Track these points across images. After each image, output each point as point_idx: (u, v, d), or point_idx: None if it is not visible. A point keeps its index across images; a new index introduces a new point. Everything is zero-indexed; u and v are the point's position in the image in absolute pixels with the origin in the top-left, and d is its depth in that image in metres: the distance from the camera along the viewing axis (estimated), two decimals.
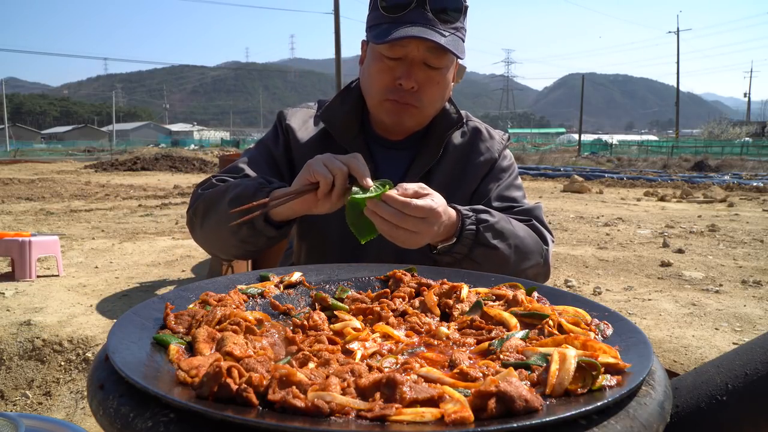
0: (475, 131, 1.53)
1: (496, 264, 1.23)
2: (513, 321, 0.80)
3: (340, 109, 1.46)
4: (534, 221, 1.40)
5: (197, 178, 16.61)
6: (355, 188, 1.09)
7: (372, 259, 1.34)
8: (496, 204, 1.43)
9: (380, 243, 1.40)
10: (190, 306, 0.84)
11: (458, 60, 1.37)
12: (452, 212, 1.21)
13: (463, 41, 1.35)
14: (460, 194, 1.44)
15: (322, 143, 1.45)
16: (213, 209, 1.28)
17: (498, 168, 1.49)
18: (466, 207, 1.26)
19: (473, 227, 1.21)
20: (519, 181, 1.54)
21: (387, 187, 1.09)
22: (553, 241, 1.43)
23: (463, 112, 1.51)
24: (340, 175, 1.09)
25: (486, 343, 0.73)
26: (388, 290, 0.98)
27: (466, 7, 1.33)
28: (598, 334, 0.76)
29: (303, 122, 1.51)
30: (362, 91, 1.45)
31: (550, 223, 1.51)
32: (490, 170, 1.49)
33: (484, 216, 1.24)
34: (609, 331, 0.78)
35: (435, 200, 1.11)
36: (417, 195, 1.09)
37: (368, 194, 1.07)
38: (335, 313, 0.88)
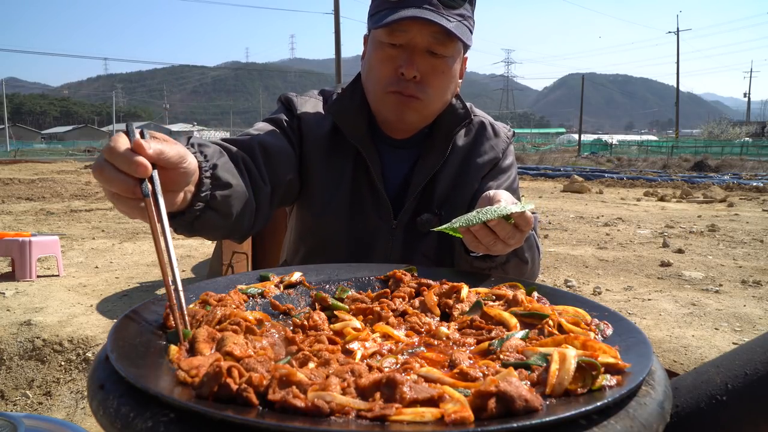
0: (480, 128, 1.48)
1: (517, 275, 1.24)
2: (513, 321, 0.80)
3: (350, 104, 1.39)
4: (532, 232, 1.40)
5: None
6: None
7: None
8: None
9: (386, 251, 1.39)
10: (191, 306, 0.84)
11: (464, 54, 1.33)
12: None
13: (471, 32, 1.30)
14: (463, 194, 1.42)
15: (332, 139, 1.40)
16: None
17: (498, 169, 1.47)
18: None
19: None
20: (517, 183, 1.51)
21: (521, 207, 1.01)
22: (541, 254, 1.43)
23: (468, 105, 1.45)
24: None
25: (486, 343, 0.73)
26: (388, 290, 0.98)
27: None
28: (598, 334, 0.76)
29: (313, 114, 1.43)
30: (363, 85, 1.39)
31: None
32: (491, 169, 1.47)
33: None
34: (609, 331, 0.78)
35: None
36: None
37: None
38: (335, 313, 0.88)
